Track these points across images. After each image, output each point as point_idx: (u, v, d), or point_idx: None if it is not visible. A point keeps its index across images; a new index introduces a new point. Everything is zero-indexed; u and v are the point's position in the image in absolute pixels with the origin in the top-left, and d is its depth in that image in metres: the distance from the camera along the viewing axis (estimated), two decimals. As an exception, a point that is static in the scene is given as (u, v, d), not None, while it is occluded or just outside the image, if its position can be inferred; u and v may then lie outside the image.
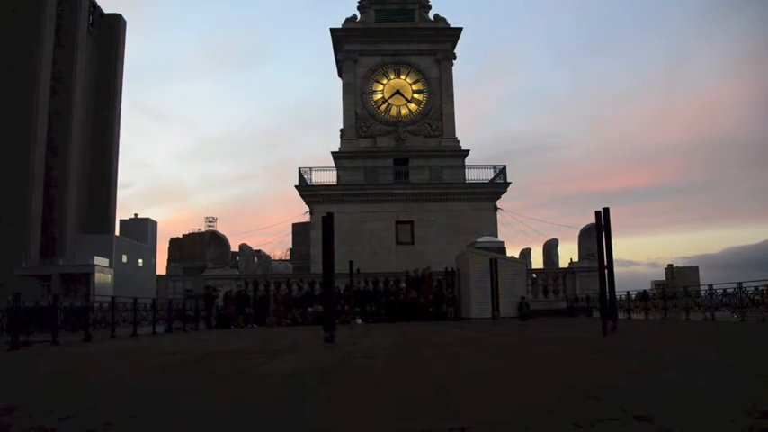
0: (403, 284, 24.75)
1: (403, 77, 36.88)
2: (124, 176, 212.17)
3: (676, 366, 5.79)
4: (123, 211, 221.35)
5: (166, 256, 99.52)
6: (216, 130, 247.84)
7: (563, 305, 25.08)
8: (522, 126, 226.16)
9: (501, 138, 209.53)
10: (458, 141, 36.04)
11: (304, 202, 34.07)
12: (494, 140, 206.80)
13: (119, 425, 3.31)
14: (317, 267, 27.54)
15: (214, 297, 24.00)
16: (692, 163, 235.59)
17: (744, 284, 16.01)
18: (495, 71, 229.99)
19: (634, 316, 21.33)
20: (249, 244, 32.22)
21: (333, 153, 35.73)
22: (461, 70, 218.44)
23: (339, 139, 36.62)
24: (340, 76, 38.42)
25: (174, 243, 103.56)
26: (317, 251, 28.93)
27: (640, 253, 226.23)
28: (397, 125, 35.78)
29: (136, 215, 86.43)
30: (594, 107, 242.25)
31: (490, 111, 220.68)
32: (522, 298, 22.93)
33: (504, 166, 33.99)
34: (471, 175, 34.58)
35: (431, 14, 38.06)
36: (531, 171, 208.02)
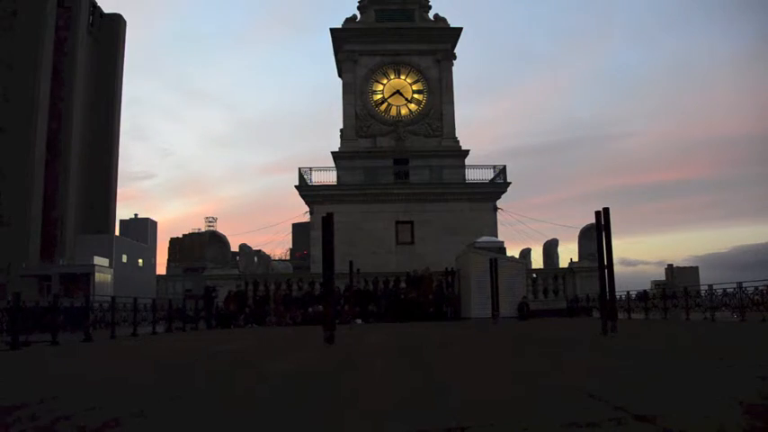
0: (403, 284, 24.75)
1: (403, 77, 36.87)
2: (148, 166, 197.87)
3: (675, 366, 5.79)
4: (143, 205, 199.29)
5: (166, 257, 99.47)
6: (255, 112, 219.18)
7: (563, 305, 25.06)
8: (588, 112, 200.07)
9: (564, 124, 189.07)
10: (458, 141, 36.02)
11: (304, 202, 34.09)
12: (557, 127, 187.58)
13: (123, 424, 3.31)
14: (316, 267, 27.52)
15: (214, 297, 24.01)
16: (737, 157, 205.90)
17: (744, 284, 16.01)
18: (574, 48, 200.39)
19: (634, 316, 21.32)
20: (249, 244, 32.26)
21: (333, 153, 35.73)
22: (530, 50, 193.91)
23: (339, 139, 36.65)
24: (340, 76, 38.41)
25: (174, 243, 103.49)
26: (317, 251, 28.93)
27: (647, 252, 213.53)
28: (396, 125, 35.77)
29: (136, 215, 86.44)
30: (671, 89, 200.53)
31: (560, 93, 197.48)
32: (524, 297, 22.96)
33: (504, 166, 34.01)
34: (471, 176, 34.59)
35: (431, 14, 38.07)
36: (582, 162, 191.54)
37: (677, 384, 4.42)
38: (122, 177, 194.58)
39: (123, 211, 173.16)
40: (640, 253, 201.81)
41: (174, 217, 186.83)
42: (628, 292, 22.33)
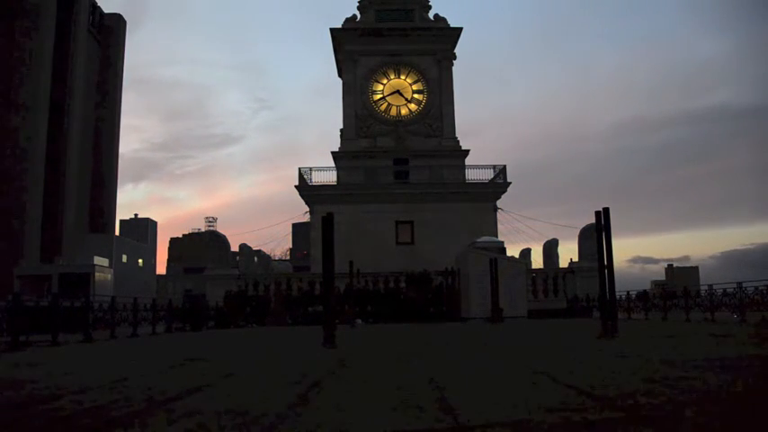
0: (403, 284, 24.74)
1: (403, 77, 36.87)
2: (231, 128, 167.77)
3: (675, 366, 5.79)
4: (215, 177, 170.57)
5: (166, 257, 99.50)
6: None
7: (563, 305, 25.06)
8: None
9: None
10: (458, 141, 36.03)
11: (304, 202, 34.09)
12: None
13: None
14: (317, 267, 27.51)
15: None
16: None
17: (744, 284, 16.01)
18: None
19: (634, 316, 21.31)
20: (249, 244, 32.27)
21: (333, 153, 35.73)
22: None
23: (339, 139, 36.65)
24: (340, 76, 38.42)
25: (174, 243, 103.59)
26: (316, 251, 28.93)
27: (656, 251, 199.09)
28: (397, 125, 35.78)
29: (136, 215, 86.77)
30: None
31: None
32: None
33: (504, 166, 34.01)
34: (471, 175, 34.60)
35: (431, 14, 38.07)
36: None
37: (676, 384, 4.42)
38: (195, 147, 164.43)
39: (180, 193, 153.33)
40: (653, 251, 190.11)
41: (164, 220, 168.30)
42: (628, 293, 22.33)
